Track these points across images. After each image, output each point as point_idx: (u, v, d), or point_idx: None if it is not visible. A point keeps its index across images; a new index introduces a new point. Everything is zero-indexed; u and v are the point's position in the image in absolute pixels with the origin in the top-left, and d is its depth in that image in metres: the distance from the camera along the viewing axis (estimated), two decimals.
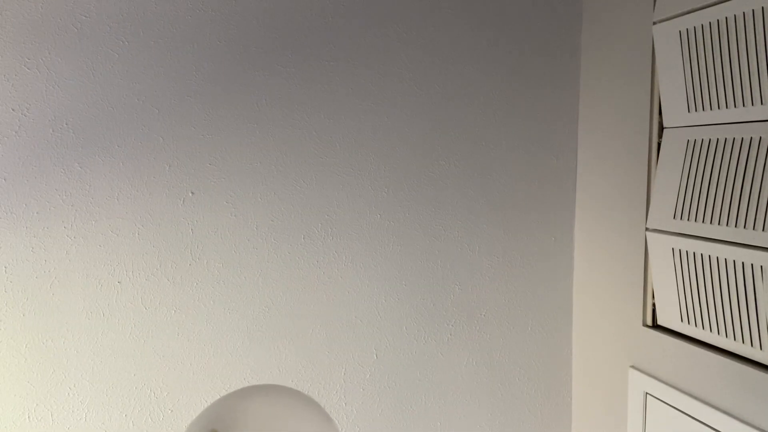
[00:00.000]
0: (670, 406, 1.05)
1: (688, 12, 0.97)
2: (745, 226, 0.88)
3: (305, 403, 0.80)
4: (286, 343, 1.16)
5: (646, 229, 1.08)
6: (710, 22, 0.93)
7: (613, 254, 1.20)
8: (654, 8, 1.06)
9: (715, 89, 0.94)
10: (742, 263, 0.89)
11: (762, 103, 0.86)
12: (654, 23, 1.05)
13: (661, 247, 1.05)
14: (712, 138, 0.95)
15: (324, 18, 1.14)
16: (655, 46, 1.05)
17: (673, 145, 1.03)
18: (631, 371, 1.15)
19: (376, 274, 1.21)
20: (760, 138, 0.87)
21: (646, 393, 1.11)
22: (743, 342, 0.92)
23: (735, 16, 0.88)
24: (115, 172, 1.06)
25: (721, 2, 0.91)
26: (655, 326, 1.11)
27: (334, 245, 1.18)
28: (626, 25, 1.15)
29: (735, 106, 0.91)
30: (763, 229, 0.86)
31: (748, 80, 0.88)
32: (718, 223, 0.93)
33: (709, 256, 0.95)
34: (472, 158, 1.25)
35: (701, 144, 0.97)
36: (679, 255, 1.00)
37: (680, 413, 1.03)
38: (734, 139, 0.91)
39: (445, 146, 1.23)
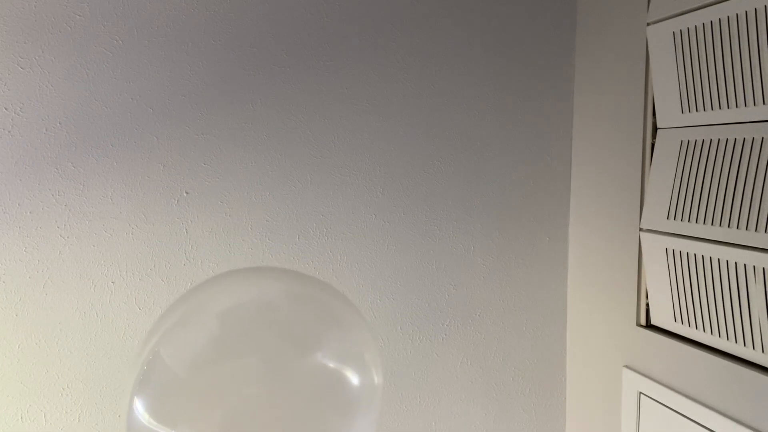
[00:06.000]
0: (664, 405, 1.06)
1: (682, 13, 0.97)
2: (738, 227, 0.89)
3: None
4: None
5: (640, 229, 1.09)
6: (704, 24, 0.93)
7: (607, 254, 1.21)
8: (648, 9, 1.06)
9: (708, 90, 0.94)
10: (735, 263, 0.89)
11: (755, 104, 0.87)
12: (648, 24, 1.05)
13: (654, 248, 1.05)
14: (705, 139, 0.96)
15: (320, 19, 1.14)
16: (649, 47, 1.06)
17: (666, 146, 1.04)
18: (625, 371, 1.15)
19: (371, 274, 1.21)
20: (753, 138, 0.87)
21: (640, 393, 1.11)
22: (736, 342, 0.93)
23: (728, 17, 0.89)
24: (109, 171, 1.06)
25: (715, 4, 0.91)
26: (649, 326, 1.12)
27: (329, 245, 1.18)
28: (620, 26, 1.16)
29: (728, 107, 0.91)
30: (756, 230, 0.86)
31: (741, 81, 0.89)
32: (712, 224, 0.93)
33: (703, 257, 0.95)
34: (466, 159, 1.25)
35: (695, 144, 0.98)
36: (673, 255, 1.01)
37: (674, 413, 1.04)
38: (727, 139, 0.92)
39: (440, 147, 1.23)
